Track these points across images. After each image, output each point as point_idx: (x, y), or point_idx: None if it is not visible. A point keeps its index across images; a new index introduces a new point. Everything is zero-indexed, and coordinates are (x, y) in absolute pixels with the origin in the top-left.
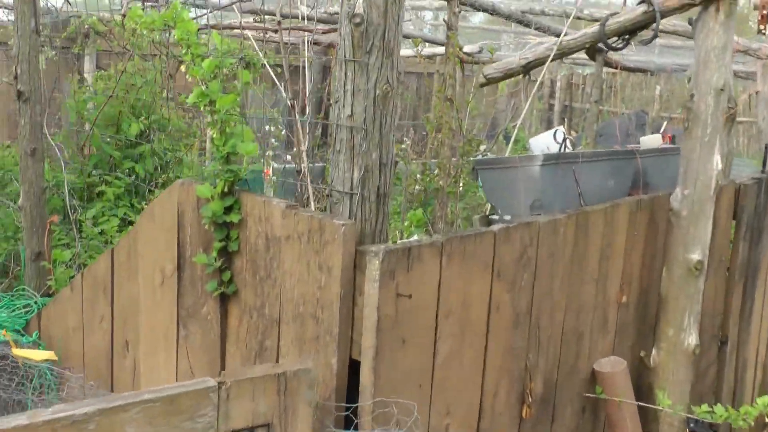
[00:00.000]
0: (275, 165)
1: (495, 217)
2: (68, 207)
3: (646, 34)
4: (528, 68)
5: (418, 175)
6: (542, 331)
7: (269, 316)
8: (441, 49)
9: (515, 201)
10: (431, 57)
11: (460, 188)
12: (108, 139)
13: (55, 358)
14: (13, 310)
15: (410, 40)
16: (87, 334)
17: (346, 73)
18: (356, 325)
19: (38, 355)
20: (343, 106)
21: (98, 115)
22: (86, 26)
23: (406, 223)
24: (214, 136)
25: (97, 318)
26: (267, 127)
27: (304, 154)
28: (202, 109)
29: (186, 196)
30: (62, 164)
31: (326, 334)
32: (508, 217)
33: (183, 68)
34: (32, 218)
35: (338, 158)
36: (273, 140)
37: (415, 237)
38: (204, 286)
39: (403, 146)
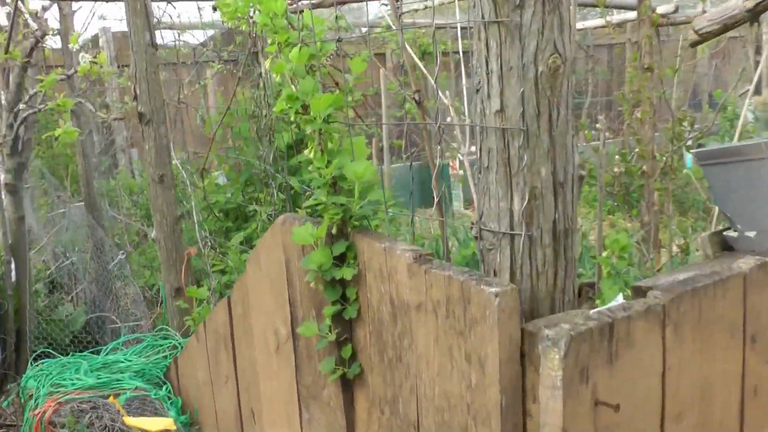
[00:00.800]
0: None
1: (731, 234)
2: (199, 236)
3: None
4: (758, 11)
5: (617, 156)
6: None
7: (404, 416)
8: (631, 15)
9: (762, 209)
10: (620, 25)
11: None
12: (260, 153)
13: (173, 427)
14: (158, 351)
15: (587, 10)
16: (216, 393)
17: (487, 44)
18: None
19: (154, 424)
20: (488, 96)
21: (217, 126)
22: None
23: (604, 253)
24: (312, 155)
25: (222, 377)
26: (449, 118)
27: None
28: (293, 118)
29: (290, 239)
30: (191, 189)
31: None
32: (751, 234)
33: (267, 64)
34: (167, 251)
35: (487, 179)
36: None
37: (620, 298)
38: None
39: (597, 127)
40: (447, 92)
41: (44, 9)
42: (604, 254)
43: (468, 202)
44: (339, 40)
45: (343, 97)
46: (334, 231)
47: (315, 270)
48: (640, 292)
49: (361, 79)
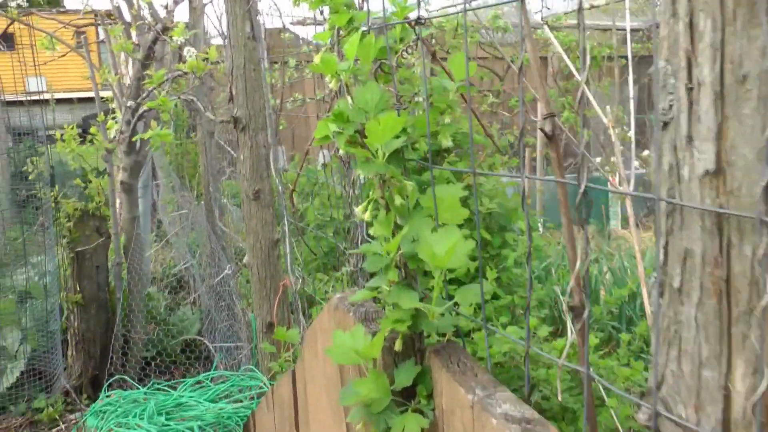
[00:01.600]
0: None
1: None
2: (289, 266)
3: None
4: None
5: None
6: None
7: None
8: None
9: None
10: None
11: None
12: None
13: None
14: (244, 393)
15: None
16: None
17: (691, 25)
18: None
19: None
20: (688, 139)
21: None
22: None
23: None
24: (367, 216)
25: None
26: (611, 129)
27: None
28: (342, 150)
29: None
30: (284, 210)
31: None
32: None
33: (317, 59)
34: (261, 280)
35: (677, 314)
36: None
37: None
38: None
39: None
40: (608, 108)
41: (176, 2)
42: None
43: (626, 221)
44: (420, 22)
45: (425, 120)
46: (397, 347)
47: (360, 406)
48: None
49: (463, 89)
